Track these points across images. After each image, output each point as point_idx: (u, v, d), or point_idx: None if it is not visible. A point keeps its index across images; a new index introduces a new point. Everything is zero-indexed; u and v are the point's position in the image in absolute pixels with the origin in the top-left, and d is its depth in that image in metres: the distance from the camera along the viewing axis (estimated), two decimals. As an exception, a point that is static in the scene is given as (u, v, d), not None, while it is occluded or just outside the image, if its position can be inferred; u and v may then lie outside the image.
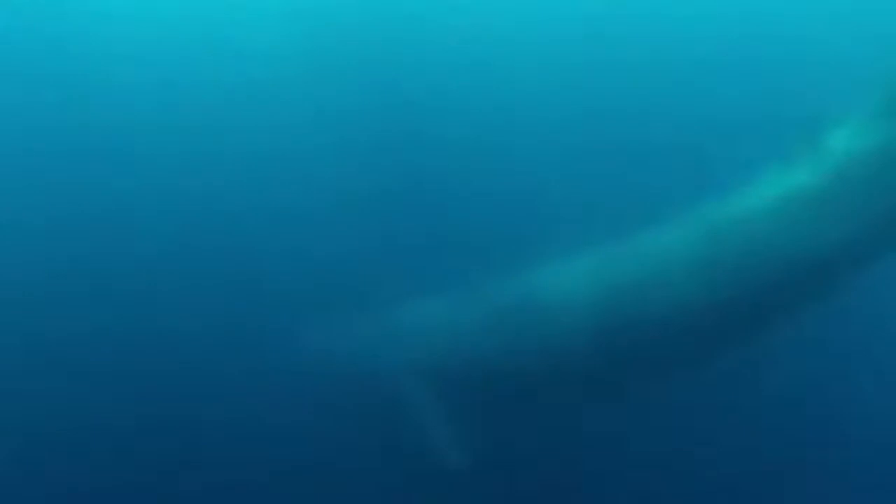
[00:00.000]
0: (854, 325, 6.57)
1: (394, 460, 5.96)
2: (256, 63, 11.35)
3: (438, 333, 6.06)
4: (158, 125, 10.45)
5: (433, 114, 10.24)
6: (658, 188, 7.53)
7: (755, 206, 5.45)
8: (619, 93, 9.82)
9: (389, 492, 5.86)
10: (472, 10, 12.15)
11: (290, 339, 6.91)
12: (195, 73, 11.40)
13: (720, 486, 6.02)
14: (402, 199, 8.84)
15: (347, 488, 5.91)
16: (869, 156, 5.26)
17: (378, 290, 7.05)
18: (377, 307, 6.68)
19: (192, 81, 11.13)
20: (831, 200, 5.31)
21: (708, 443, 6.14)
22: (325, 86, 10.80)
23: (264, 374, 6.68)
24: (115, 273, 8.06)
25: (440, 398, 5.93)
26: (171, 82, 11.28)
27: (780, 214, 5.37)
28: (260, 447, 6.28)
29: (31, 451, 6.47)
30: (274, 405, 6.42)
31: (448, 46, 11.63)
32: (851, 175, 5.27)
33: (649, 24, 10.90)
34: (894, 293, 6.57)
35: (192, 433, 6.43)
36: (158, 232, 8.62)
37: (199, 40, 12.17)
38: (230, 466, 6.17)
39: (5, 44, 12.11)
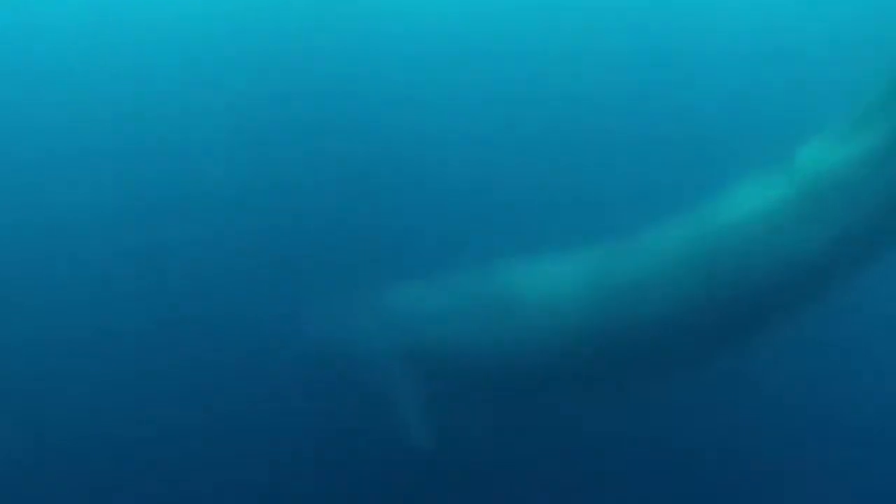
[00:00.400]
0: (853, 324, 6.60)
1: (373, 443, 6.08)
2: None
3: (424, 319, 6.15)
4: (144, 114, 10.59)
5: (426, 101, 10.37)
6: (640, 192, 7.79)
7: (731, 214, 5.56)
8: (595, 103, 9.89)
9: (367, 473, 5.99)
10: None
11: (279, 324, 7.02)
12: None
13: (704, 485, 6.04)
14: (395, 185, 8.96)
15: (327, 468, 6.04)
16: (843, 169, 5.36)
17: (368, 274, 7.20)
18: (366, 291, 6.77)
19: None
20: (806, 212, 5.42)
21: (693, 440, 6.20)
22: (308, 71, 11.12)
23: (253, 358, 6.82)
24: (109, 265, 8.10)
25: (422, 383, 6.07)
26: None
27: (756, 224, 5.50)
28: (246, 429, 6.36)
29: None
30: (261, 388, 6.57)
31: (448, 35, 11.93)
32: (826, 187, 5.40)
33: (625, 39, 10.97)
34: (893, 293, 6.62)
35: (180, 414, 6.51)
36: (146, 222, 8.68)
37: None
38: (218, 447, 6.27)
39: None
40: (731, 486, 5.96)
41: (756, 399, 6.42)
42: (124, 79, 11.39)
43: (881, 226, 5.40)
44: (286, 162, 9.51)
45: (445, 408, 6.08)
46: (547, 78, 10.60)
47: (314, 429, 6.30)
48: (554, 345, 5.73)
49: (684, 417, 6.24)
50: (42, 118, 10.60)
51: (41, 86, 11.32)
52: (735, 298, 5.51)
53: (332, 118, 10.22)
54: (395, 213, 8.55)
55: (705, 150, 8.23)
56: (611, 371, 5.85)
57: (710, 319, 5.56)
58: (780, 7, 11.27)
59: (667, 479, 5.99)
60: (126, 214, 8.80)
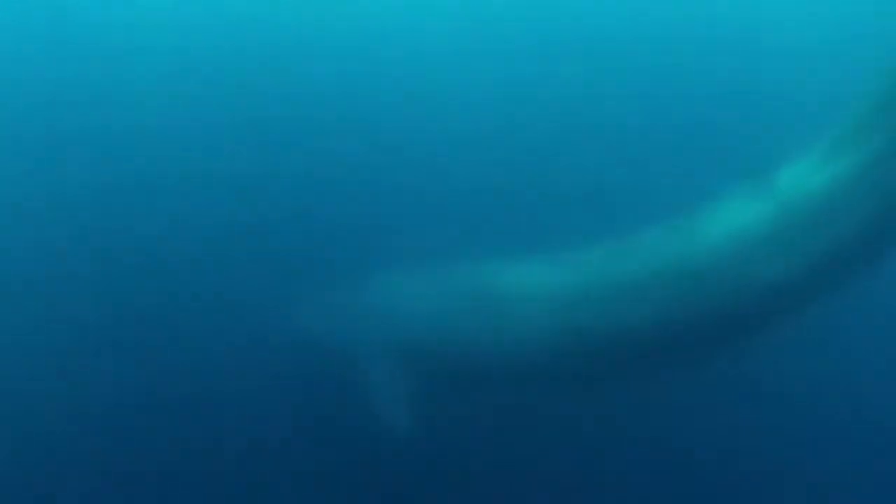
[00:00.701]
0: (852, 324, 6.62)
1: (353, 431, 6.19)
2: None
3: (408, 311, 6.32)
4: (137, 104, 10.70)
5: (420, 97, 10.50)
6: (625, 198, 7.94)
7: (710, 227, 5.73)
8: (572, 118, 9.96)
9: (346, 460, 6.09)
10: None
11: (266, 314, 7.16)
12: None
13: (697, 485, 6.09)
14: (389, 180, 9.05)
15: (307, 455, 6.14)
16: (822, 191, 5.49)
17: (355, 266, 7.36)
18: (353, 283, 6.95)
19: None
20: (782, 230, 5.57)
21: (687, 439, 6.27)
22: (301, 65, 11.28)
23: (239, 347, 6.93)
24: (99, 254, 8.19)
25: (403, 373, 6.21)
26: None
27: (732, 238, 5.64)
28: (228, 417, 6.45)
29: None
30: (246, 377, 6.66)
31: (444, 33, 12.02)
32: (804, 207, 5.53)
33: (603, 60, 11.01)
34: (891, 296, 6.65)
35: (168, 401, 6.62)
36: (137, 210, 8.78)
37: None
38: (201, 434, 6.35)
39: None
40: (725, 486, 5.99)
41: (754, 399, 6.44)
42: (123, 74, 11.42)
43: (857, 249, 5.53)
44: (276, 156, 9.60)
45: (426, 398, 6.19)
46: (533, 82, 10.73)
47: (297, 417, 6.39)
48: (532, 342, 5.87)
49: (678, 416, 6.29)
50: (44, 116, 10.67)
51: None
52: (708, 309, 5.64)
53: (324, 113, 10.33)
54: (388, 207, 8.63)
55: (691, 161, 8.32)
56: (584, 371, 5.98)
57: (682, 327, 5.68)
58: (771, 23, 11.33)
59: (648, 472, 6.04)
60: (116, 205, 8.88)
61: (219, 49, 12.10)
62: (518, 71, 11.07)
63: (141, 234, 8.46)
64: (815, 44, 10.42)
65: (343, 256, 7.80)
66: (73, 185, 9.15)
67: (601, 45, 11.70)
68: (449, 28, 12.15)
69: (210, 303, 7.46)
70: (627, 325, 5.72)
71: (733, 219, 5.69)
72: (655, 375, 6.12)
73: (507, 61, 11.24)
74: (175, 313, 7.41)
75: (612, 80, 10.54)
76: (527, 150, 9.47)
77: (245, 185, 9.11)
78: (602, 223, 6.54)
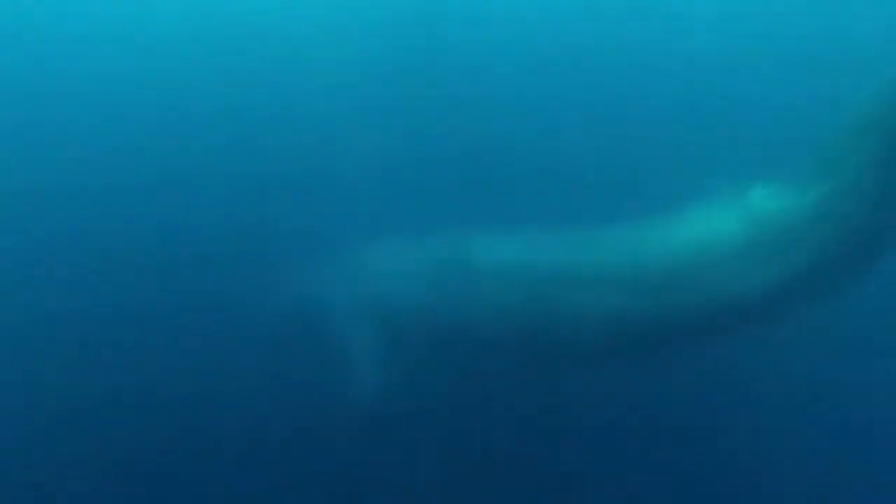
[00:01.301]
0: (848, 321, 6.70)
1: (329, 394, 6.40)
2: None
3: (389, 279, 6.59)
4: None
5: (421, 69, 10.87)
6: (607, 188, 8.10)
7: (673, 233, 5.93)
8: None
9: (321, 424, 6.31)
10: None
11: (251, 279, 7.42)
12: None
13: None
14: (378, 150, 9.14)
15: (285, 419, 6.37)
16: (790, 214, 5.63)
17: (342, 234, 7.52)
18: (339, 250, 7.23)
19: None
20: (747, 249, 5.71)
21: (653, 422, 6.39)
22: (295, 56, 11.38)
23: (226, 313, 7.14)
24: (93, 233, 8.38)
25: (380, 339, 6.49)
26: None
27: (694, 247, 5.83)
28: (210, 380, 6.64)
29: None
30: (232, 341, 6.88)
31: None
32: (771, 228, 5.67)
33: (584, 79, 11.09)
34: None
35: (154, 365, 6.82)
36: (126, 183, 9.01)
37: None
38: (182, 397, 6.53)
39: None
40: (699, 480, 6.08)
41: (733, 396, 6.54)
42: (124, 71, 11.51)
43: (822, 275, 5.66)
44: (262, 128, 9.85)
45: (401, 364, 6.43)
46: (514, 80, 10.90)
47: (278, 379, 6.59)
48: (501, 316, 6.09)
49: (650, 397, 6.47)
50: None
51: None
52: (663, 308, 5.83)
53: (311, 85, 10.53)
54: (377, 178, 8.74)
55: (669, 163, 8.44)
56: (548, 350, 6.22)
57: (635, 321, 5.88)
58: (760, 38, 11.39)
59: (612, 448, 6.23)
60: (114, 186, 9.04)
61: (207, 34, 12.38)
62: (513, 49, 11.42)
63: (128, 203, 8.68)
64: (810, 60, 10.50)
65: (330, 225, 7.92)
66: (75, 170, 9.36)
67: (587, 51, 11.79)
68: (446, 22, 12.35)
69: (196, 270, 7.65)
70: (586, 312, 5.93)
71: (701, 226, 5.88)
72: (612, 363, 6.35)
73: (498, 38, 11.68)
74: (160, 279, 7.61)
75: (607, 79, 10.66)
76: (518, 127, 9.64)
77: (231, 156, 9.37)
78: (588, 209, 6.72)
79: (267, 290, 7.21)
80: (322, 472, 6.07)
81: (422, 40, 11.76)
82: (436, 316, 6.35)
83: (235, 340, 6.87)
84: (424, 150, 9.25)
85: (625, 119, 9.67)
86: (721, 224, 5.79)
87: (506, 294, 6.11)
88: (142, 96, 10.58)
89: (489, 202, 8.16)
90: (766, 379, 6.61)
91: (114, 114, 10.29)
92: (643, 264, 5.91)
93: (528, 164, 9.10)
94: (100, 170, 9.22)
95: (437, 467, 6.05)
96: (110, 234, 8.18)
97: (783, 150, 6.03)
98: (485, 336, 6.26)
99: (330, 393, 6.37)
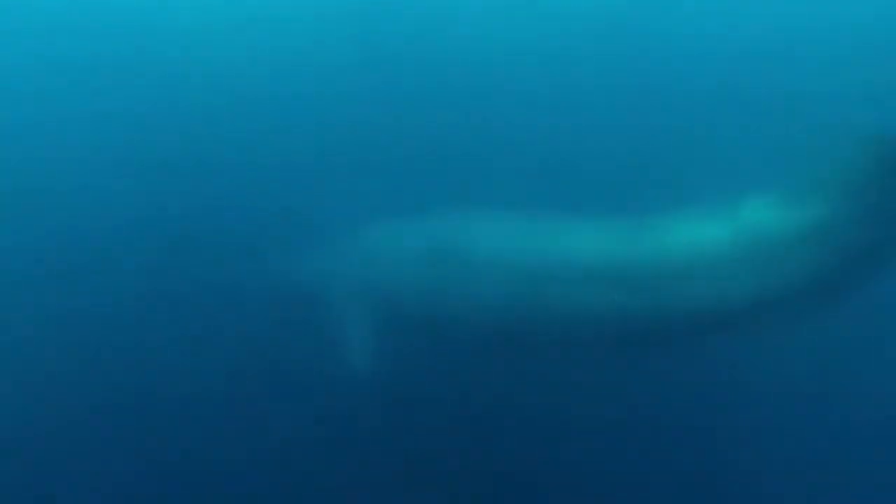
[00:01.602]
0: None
1: (319, 371, 6.61)
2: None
3: (381, 259, 6.75)
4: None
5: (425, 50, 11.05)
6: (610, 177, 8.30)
7: (663, 234, 6.08)
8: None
9: (309, 399, 6.49)
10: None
11: (249, 259, 7.64)
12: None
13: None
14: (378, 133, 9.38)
15: (275, 393, 6.56)
16: (780, 227, 5.75)
17: (341, 215, 7.81)
18: (335, 231, 7.44)
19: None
20: (735, 258, 5.85)
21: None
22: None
23: (222, 292, 7.36)
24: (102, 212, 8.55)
25: (371, 317, 6.69)
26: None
27: (683, 250, 6.00)
28: (206, 358, 6.83)
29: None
30: (227, 321, 7.09)
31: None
32: (760, 240, 5.73)
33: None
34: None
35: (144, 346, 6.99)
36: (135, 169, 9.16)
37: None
38: (178, 377, 6.71)
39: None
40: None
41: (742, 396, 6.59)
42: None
43: (810, 291, 5.79)
44: (259, 111, 10.00)
45: (390, 343, 6.63)
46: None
47: (272, 357, 6.78)
48: (489, 300, 6.24)
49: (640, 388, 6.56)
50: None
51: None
52: (647, 307, 5.97)
53: (311, 69, 10.81)
54: (376, 159, 8.95)
55: (670, 165, 8.45)
56: (535, 335, 6.35)
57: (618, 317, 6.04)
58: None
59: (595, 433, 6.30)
60: (122, 172, 9.17)
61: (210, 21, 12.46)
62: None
63: (133, 188, 8.82)
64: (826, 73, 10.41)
65: (328, 208, 8.13)
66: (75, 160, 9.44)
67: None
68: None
69: (194, 251, 7.83)
70: (567, 302, 6.11)
71: (693, 229, 6.01)
72: (599, 356, 6.46)
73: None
74: (157, 259, 7.76)
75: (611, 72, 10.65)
76: (525, 118, 9.70)
77: (227, 137, 9.52)
78: (585, 201, 7.00)
79: (264, 273, 7.39)
80: (314, 444, 6.24)
81: (430, 27, 11.81)
82: (426, 298, 6.50)
83: (234, 322, 7.05)
84: (421, 136, 9.33)
85: (633, 115, 9.66)
86: (712, 229, 5.91)
87: (489, 280, 6.26)
88: (136, 88, 10.68)
89: (484, 187, 8.29)
90: (762, 378, 6.65)
91: (109, 104, 10.37)
92: (631, 260, 6.04)
93: (532, 154, 9.14)
94: (100, 160, 9.32)
95: (421, 446, 6.20)
96: (112, 223, 8.32)
97: (786, 161, 6.06)
98: (471, 319, 6.40)
99: (322, 370, 6.57)
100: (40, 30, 12.79)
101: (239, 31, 12.30)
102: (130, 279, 7.56)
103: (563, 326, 6.25)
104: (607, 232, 6.21)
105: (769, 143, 8.72)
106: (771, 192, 6.00)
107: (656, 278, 5.93)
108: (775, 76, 10.34)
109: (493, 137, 9.34)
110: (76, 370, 6.76)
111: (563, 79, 10.72)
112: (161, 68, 11.08)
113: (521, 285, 6.22)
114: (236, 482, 5.91)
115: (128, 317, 7.22)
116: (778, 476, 6.09)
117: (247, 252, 7.74)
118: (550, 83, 10.59)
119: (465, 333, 6.58)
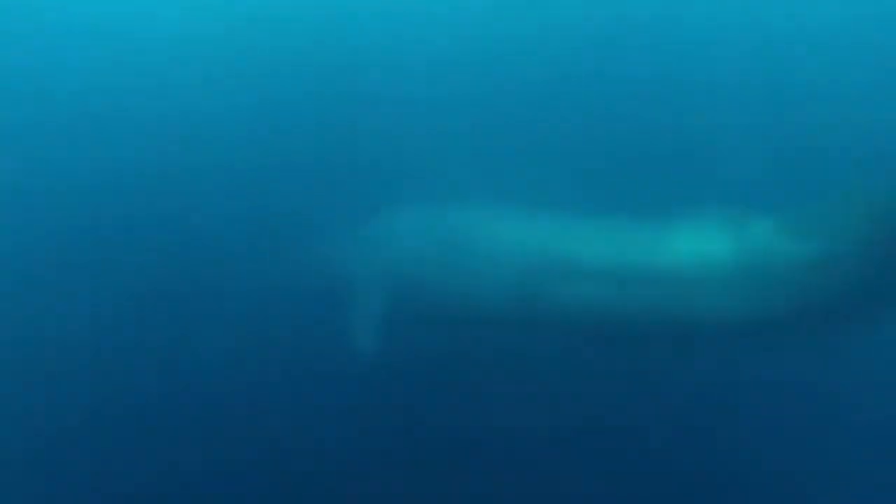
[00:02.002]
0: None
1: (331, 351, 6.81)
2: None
3: (397, 246, 6.98)
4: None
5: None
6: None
7: (666, 239, 6.22)
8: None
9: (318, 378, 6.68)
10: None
11: (275, 247, 7.83)
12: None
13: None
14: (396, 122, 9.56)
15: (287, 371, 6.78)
16: (780, 247, 5.84)
17: (359, 202, 7.96)
18: (354, 219, 7.63)
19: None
20: (733, 271, 5.94)
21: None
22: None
23: (244, 277, 7.55)
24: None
25: (383, 300, 6.90)
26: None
27: (679, 256, 6.14)
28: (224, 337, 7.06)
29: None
30: (248, 300, 7.33)
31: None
32: (757, 258, 5.82)
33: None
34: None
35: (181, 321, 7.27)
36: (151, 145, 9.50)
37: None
38: (195, 356, 6.93)
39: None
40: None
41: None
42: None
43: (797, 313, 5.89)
44: (284, 108, 10.19)
45: (400, 327, 6.84)
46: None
47: (290, 337, 6.98)
48: (496, 291, 6.43)
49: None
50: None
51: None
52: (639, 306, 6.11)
53: (332, 58, 11.07)
54: (397, 148, 9.12)
55: (680, 173, 8.48)
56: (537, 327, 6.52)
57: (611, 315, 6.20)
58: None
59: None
60: (145, 152, 9.48)
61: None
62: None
63: (153, 165, 9.14)
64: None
65: (351, 193, 8.34)
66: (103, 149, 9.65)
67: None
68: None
69: (219, 234, 8.05)
70: (570, 295, 6.27)
71: (692, 240, 6.14)
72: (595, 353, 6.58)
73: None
74: (181, 239, 8.04)
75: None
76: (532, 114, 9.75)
77: (255, 128, 9.75)
78: (593, 200, 7.02)
79: (279, 262, 7.56)
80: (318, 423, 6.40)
81: (434, 24, 11.92)
82: (434, 287, 6.70)
83: (256, 304, 7.26)
84: (430, 133, 9.41)
85: (648, 117, 9.64)
86: (712, 239, 6.05)
87: (494, 271, 6.47)
88: (150, 90, 10.84)
89: (493, 183, 8.31)
90: (750, 383, 6.72)
91: (127, 104, 10.51)
92: (629, 260, 6.20)
93: (536, 151, 9.18)
94: (116, 158, 9.49)
95: (422, 429, 6.36)
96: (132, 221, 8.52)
97: (800, 183, 6.12)
98: (475, 307, 6.61)
99: (332, 356, 6.75)
100: (48, 30, 12.80)
101: (244, 27, 12.35)
102: (145, 273, 7.79)
103: (562, 318, 6.41)
104: (608, 231, 6.38)
105: (784, 160, 8.72)
106: (778, 212, 6.07)
107: (651, 280, 6.07)
108: (804, 106, 10.23)
109: (505, 134, 9.46)
110: (105, 359, 6.98)
111: (572, 77, 10.71)
112: (167, 69, 11.27)
113: (523, 277, 6.41)
114: (239, 468, 6.10)
115: (142, 306, 7.45)
116: (768, 478, 6.18)
117: (261, 242, 7.94)
118: (557, 81, 10.60)
119: (468, 321, 6.78)
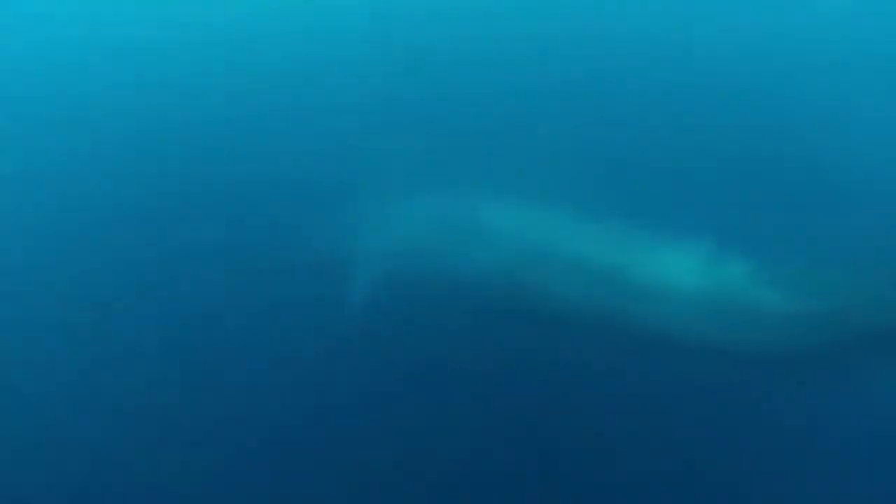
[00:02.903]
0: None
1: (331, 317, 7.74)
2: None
3: (397, 230, 7.94)
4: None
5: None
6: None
7: (649, 259, 6.99)
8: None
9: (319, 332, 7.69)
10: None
11: (288, 230, 8.92)
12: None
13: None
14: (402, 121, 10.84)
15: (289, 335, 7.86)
16: (754, 295, 5.87)
17: (365, 191, 9.25)
18: (362, 205, 8.90)
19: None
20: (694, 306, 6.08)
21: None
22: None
23: (256, 253, 8.73)
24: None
25: (382, 280, 7.62)
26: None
27: (657, 279, 6.23)
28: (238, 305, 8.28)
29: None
30: (261, 278, 8.50)
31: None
32: (726, 300, 5.98)
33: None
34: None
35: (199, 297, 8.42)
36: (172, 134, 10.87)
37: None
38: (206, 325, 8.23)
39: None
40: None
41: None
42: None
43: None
44: (298, 105, 11.44)
45: (396, 303, 7.72)
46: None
47: (297, 310, 8.15)
48: (487, 277, 7.06)
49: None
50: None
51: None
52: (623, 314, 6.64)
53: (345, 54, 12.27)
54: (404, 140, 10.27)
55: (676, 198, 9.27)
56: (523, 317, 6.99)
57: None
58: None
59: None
60: (165, 147, 10.94)
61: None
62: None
63: (172, 154, 10.53)
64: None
65: (361, 181, 9.61)
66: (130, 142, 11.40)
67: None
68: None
69: (233, 218, 9.26)
70: (558, 285, 6.80)
71: (676, 264, 6.38)
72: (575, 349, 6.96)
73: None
74: (196, 225, 9.22)
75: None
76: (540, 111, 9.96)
77: (278, 131, 10.85)
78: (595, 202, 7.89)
79: (298, 236, 8.65)
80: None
81: (453, 25, 12.89)
82: (432, 266, 7.43)
83: (267, 277, 8.39)
84: (438, 129, 10.53)
85: (655, 125, 9.76)
86: (687, 271, 6.21)
87: (491, 256, 7.11)
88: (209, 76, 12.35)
89: (503, 174, 9.44)
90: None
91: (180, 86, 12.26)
92: (614, 262, 6.49)
93: (540, 148, 9.40)
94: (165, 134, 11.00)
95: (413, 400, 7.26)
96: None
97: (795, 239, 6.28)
98: (471, 286, 7.26)
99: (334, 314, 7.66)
100: (49, 30, 13.14)
101: (265, 20, 13.86)
102: (168, 237, 9.05)
103: (548, 306, 7.05)
104: (599, 232, 6.69)
105: (784, 161, 8.90)
106: (763, 257, 6.26)
107: (633, 283, 6.14)
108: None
109: (504, 134, 10.53)
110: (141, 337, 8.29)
111: (573, 81, 10.89)
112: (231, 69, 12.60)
113: (516, 265, 7.14)
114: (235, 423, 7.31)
115: (168, 274, 8.65)
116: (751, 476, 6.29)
117: (279, 220, 9.17)
118: (560, 84, 10.74)
119: (462, 299, 7.54)
